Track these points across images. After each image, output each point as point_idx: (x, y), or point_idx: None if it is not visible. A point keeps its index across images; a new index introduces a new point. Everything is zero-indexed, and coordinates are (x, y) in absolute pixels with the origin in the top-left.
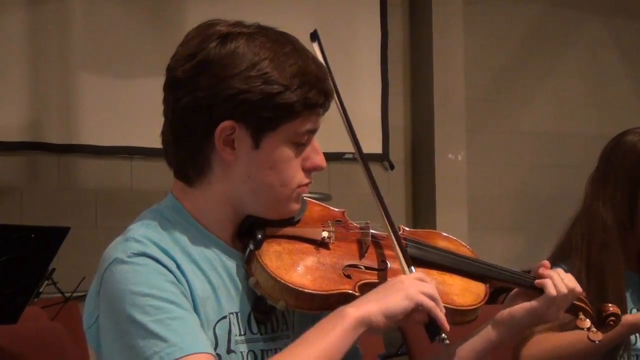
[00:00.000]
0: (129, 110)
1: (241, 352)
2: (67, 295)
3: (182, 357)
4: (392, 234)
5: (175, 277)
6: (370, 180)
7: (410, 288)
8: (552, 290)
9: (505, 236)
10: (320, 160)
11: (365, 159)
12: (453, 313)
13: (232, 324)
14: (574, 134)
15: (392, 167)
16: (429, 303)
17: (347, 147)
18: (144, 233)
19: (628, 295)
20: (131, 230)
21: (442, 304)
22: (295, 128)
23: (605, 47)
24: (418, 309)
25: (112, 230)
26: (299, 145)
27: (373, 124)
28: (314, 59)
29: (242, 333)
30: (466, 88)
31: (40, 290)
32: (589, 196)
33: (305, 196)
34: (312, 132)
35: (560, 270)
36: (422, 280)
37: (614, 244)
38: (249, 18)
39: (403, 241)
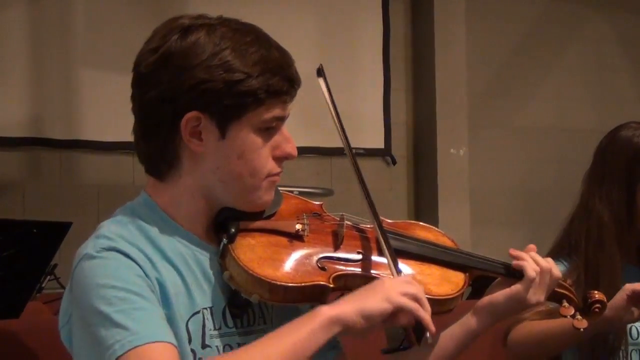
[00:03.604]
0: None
1: (217, 347)
2: None
3: (142, 344)
4: (380, 234)
5: (144, 271)
6: (361, 184)
7: (391, 290)
8: (530, 272)
9: (507, 230)
10: (291, 148)
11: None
12: (430, 303)
13: (206, 319)
14: (576, 129)
15: (394, 162)
16: (410, 304)
17: (350, 143)
18: (115, 230)
19: None
20: (102, 228)
21: (427, 306)
22: (261, 116)
23: (608, 43)
24: (400, 311)
25: None
26: (267, 133)
27: (375, 119)
28: (278, 47)
29: (217, 327)
30: (468, 83)
31: (43, 285)
32: (585, 193)
33: (307, 192)
34: (281, 119)
35: (533, 253)
36: (407, 282)
37: (609, 241)
38: (250, 14)
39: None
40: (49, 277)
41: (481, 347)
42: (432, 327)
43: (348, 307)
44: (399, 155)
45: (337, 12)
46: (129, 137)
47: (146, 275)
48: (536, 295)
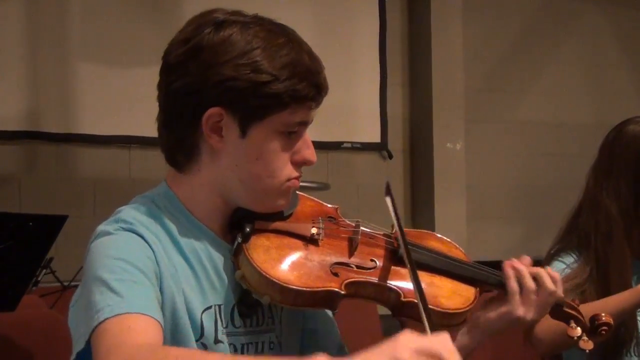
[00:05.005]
0: (127, 100)
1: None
2: (65, 284)
3: (130, 312)
4: (416, 287)
5: (155, 256)
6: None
7: (402, 346)
8: (513, 285)
9: (504, 225)
10: (310, 154)
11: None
12: (440, 315)
13: (217, 315)
14: (573, 123)
15: (390, 156)
16: None
17: (346, 137)
18: (134, 215)
19: (633, 283)
20: (121, 212)
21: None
22: (284, 119)
23: (604, 37)
24: None
25: None
26: (288, 137)
27: (372, 114)
28: (310, 52)
29: (224, 326)
30: (465, 78)
31: (39, 279)
32: (591, 187)
33: (302, 185)
34: (303, 125)
35: (523, 268)
36: (430, 339)
37: (618, 235)
38: (247, 8)
39: (394, 241)
40: (44, 270)
41: (483, 350)
42: None
43: None
44: (395, 150)
45: (333, 6)
46: (125, 130)
47: (157, 261)
48: (530, 310)
